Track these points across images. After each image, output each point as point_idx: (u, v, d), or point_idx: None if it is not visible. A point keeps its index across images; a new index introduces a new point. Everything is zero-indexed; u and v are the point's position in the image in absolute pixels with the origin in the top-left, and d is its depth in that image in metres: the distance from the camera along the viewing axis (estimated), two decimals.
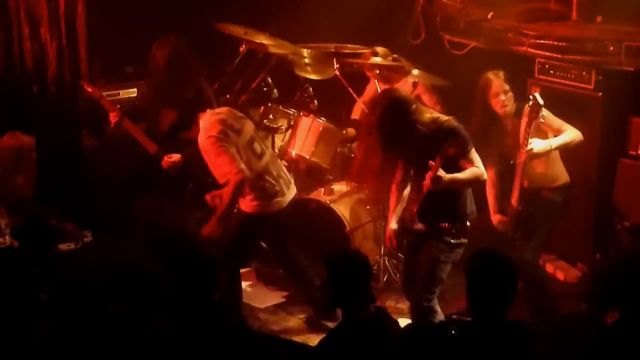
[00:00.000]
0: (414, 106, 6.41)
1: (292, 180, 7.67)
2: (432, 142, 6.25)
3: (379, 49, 8.55)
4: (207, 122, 7.24)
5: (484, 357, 4.89)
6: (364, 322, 5.24)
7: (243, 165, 7.11)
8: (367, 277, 5.43)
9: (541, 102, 6.99)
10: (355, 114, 9.06)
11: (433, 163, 6.16)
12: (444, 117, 6.45)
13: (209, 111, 7.34)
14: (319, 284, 7.39)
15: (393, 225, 6.76)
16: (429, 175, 6.18)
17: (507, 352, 4.89)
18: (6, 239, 7.25)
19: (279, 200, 7.39)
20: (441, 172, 6.18)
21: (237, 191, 7.16)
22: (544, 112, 7.12)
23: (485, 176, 6.50)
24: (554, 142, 7.24)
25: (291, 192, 7.53)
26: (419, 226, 6.55)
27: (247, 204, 7.34)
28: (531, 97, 7.01)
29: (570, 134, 7.28)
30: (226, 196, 7.20)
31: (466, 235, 6.58)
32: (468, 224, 6.59)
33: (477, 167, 6.41)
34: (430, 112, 6.52)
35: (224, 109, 7.45)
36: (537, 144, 7.13)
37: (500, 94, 7.26)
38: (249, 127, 7.40)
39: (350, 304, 5.34)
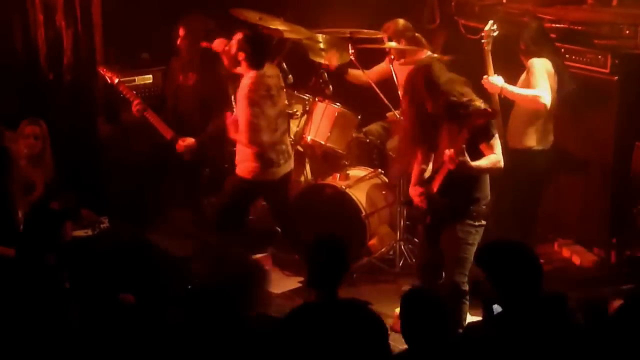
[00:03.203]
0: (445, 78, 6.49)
1: (292, 155, 7.95)
2: (461, 122, 6.26)
3: (400, 21, 8.55)
4: (254, 80, 7.49)
5: (526, 339, 4.90)
6: (334, 305, 5.23)
7: (264, 139, 7.48)
8: (340, 266, 5.38)
9: (486, 28, 7.63)
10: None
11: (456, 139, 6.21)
12: (478, 101, 6.45)
13: (260, 72, 7.53)
14: None
15: (418, 187, 6.71)
16: (455, 148, 6.17)
17: (547, 327, 4.91)
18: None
19: (274, 171, 7.68)
20: (466, 157, 6.18)
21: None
22: (535, 68, 7.54)
23: (502, 164, 6.48)
24: (509, 87, 7.58)
25: (288, 166, 7.82)
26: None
27: (243, 169, 7.62)
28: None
29: (528, 91, 7.55)
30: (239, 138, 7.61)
31: (486, 217, 6.60)
32: (484, 207, 6.59)
33: (496, 155, 6.41)
34: (470, 94, 6.52)
35: (272, 72, 7.67)
36: (493, 78, 7.57)
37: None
38: (283, 100, 7.75)
39: (324, 287, 5.32)
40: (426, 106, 6.45)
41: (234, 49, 7.58)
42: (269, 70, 7.63)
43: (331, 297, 5.24)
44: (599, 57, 7.97)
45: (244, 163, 7.65)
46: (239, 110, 7.53)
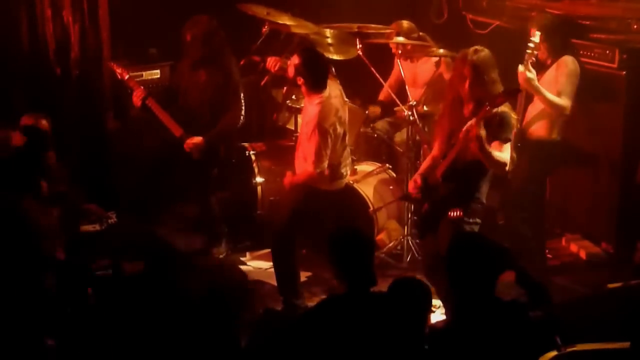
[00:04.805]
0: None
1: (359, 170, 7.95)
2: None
3: (405, 23, 8.57)
4: (322, 107, 7.23)
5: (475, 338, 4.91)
6: (362, 297, 5.25)
7: (325, 164, 7.24)
8: (366, 258, 5.41)
9: (536, 40, 7.36)
10: (382, 97, 9.09)
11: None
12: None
13: (324, 95, 7.27)
14: None
15: (418, 177, 6.84)
16: (476, 119, 6.25)
17: (498, 332, 4.91)
18: None
19: (339, 182, 7.55)
20: (484, 132, 6.27)
21: (311, 180, 7.32)
22: (567, 69, 7.49)
23: (507, 168, 6.54)
24: (542, 89, 7.45)
25: (348, 177, 7.71)
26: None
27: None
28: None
29: (556, 99, 7.45)
30: (299, 178, 7.40)
31: (480, 216, 6.65)
32: (480, 206, 6.65)
33: (506, 155, 6.47)
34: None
35: (335, 91, 7.41)
36: (530, 74, 7.39)
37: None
38: (346, 115, 7.50)
39: (350, 279, 5.33)
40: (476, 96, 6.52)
41: (291, 74, 7.30)
42: (332, 89, 7.37)
43: (363, 289, 5.26)
44: (607, 51, 7.95)
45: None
46: (308, 138, 7.27)
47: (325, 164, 7.24)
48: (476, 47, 6.69)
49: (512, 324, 4.94)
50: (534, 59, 7.40)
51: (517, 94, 6.66)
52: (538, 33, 7.39)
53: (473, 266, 4.98)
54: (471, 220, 6.59)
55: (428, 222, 6.80)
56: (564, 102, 7.46)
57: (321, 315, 5.24)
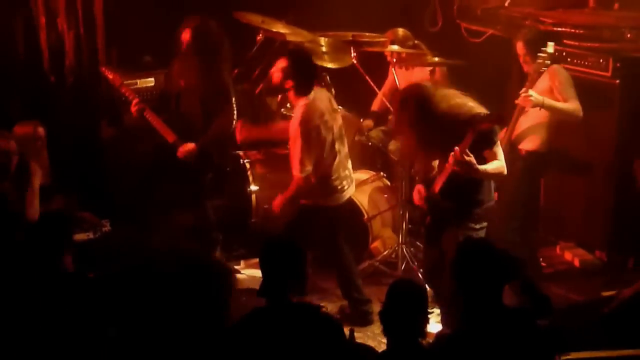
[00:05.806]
0: (438, 97, 6.28)
1: (354, 178, 7.59)
2: (462, 128, 6.19)
3: (400, 31, 8.58)
4: (307, 109, 7.08)
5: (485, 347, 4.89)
6: (284, 309, 5.13)
7: (310, 168, 7.09)
8: (295, 268, 5.23)
9: (550, 51, 7.43)
10: (375, 106, 9.08)
11: (461, 144, 6.12)
12: (479, 108, 6.34)
13: (310, 97, 7.12)
14: (360, 284, 7.54)
15: (421, 187, 6.66)
16: (460, 149, 6.09)
17: (506, 339, 4.89)
18: None
19: (337, 197, 7.34)
20: (472, 158, 6.14)
21: (299, 188, 7.18)
22: (562, 76, 7.62)
23: (505, 171, 6.45)
24: (548, 100, 7.52)
25: (351, 190, 7.48)
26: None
27: (306, 195, 7.26)
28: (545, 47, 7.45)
29: (568, 106, 7.56)
30: (288, 190, 7.27)
31: (486, 219, 6.57)
32: (486, 209, 6.56)
33: (500, 161, 6.39)
34: (461, 98, 6.37)
35: (322, 95, 7.27)
36: (533, 93, 7.46)
37: (520, 55, 7.72)
38: (338, 123, 7.34)
39: (276, 290, 5.18)
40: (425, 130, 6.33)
41: (278, 78, 7.14)
42: (319, 94, 7.21)
43: (282, 301, 5.13)
44: (601, 60, 7.98)
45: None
46: (293, 142, 7.11)
47: (309, 167, 7.09)
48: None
49: (520, 332, 4.93)
50: (544, 68, 7.51)
51: (502, 122, 6.62)
52: (551, 44, 7.45)
53: (482, 272, 4.96)
54: (477, 227, 6.49)
55: (432, 233, 6.75)
56: (574, 105, 7.55)
57: (245, 328, 5.13)
